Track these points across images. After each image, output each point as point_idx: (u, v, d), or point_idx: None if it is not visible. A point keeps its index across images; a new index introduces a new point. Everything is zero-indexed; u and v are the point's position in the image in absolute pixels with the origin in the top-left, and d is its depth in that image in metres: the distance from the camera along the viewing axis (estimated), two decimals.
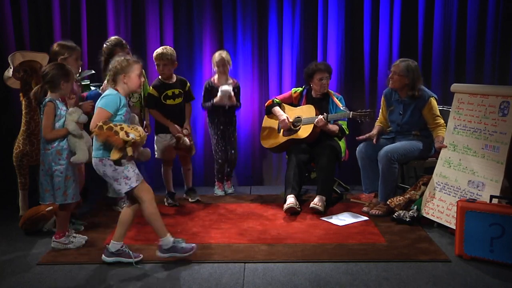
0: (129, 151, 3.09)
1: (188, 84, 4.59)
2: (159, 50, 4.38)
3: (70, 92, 3.64)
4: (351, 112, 4.31)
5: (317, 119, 4.35)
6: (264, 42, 5.20)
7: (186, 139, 4.37)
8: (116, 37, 4.35)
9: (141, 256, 3.31)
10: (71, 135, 3.39)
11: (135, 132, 3.11)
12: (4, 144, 4.68)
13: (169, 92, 4.42)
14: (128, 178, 3.17)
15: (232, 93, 4.63)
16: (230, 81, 4.76)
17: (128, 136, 3.07)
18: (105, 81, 3.81)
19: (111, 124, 3.08)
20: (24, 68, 3.89)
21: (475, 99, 3.88)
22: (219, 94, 4.61)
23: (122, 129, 3.08)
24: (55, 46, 3.90)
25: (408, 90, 4.23)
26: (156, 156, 4.53)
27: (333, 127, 4.50)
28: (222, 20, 5.14)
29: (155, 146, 4.49)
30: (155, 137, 4.51)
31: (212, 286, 3.00)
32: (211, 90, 4.70)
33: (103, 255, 3.29)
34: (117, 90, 3.22)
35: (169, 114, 4.44)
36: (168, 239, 3.27)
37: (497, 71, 5.00)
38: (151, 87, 4.46)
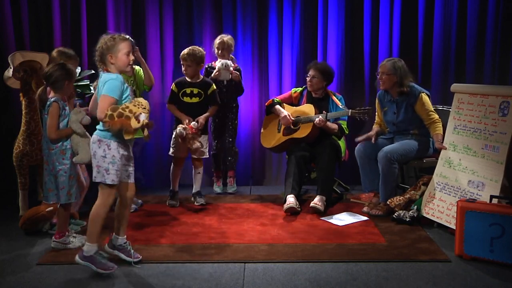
0: (145, 132, 3.09)
1: (213, 88, 4.49)
2: (185, 50, 4.39)
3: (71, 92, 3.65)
4: (350, 110, 4.32)
5: (316, 118, 4.36)
6: (264, 42, 5.20)
7: (182, 130, 4.25)
8: (127, 36, 4.33)
9: (140, 257, 3.30)
10: (75, 134, 3.39)
11: (143, 111, 3.04)
12: (4, 144, 4.69)
13: (188, 90, 4.44)
14: (108, 172, 3.10)
15: (231, 67, 4.63)
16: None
17: (139, 120, 3.00)
18: None
19: (119, 110, 3.00)
20: (24, 68, 3.89)
21: (475, 99, 3.88)
22: (216, 67, 4.60)
23: (131, 112, 3.00)
24: (54, 53, 3.91)
25: (397, 88, 4.24)
26: (169, 152, 4.50)
27: (333, 125, 4.50)
28: (222, 20, 5.14)
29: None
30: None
31: (212, 286, 3.00)
32: (211, 72, 4.69)
33: (106, 245, 3.31)
34: (108, 71, 3.11)
35: (183, 111, 4.42)
36: (92, 248, 3.12)
37: (497, 71, 4.99)
38: (173, 83, 4.50)
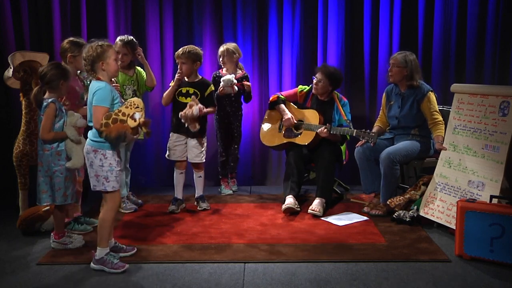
0: (144, 129, 3.09)
1: (211, 89, 4.36)
2: (180, 49, 4.27)
3: (72, 89, 3.63)
4: (355, 130, 4.21)
5: (319, 129, 4.33)
6: (264, 42, 5.20)
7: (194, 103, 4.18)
8: (131, 37, 4.33)
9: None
10: (69, 139, 3.39)
11: (136, 110, 3.06)
12: (4, 144, 4.69)
13: (183, 89, 4.32)
14: (108, 180, 3.14)
15: (235, 81, 4.64)
16: (239, 71, 4.80)
17: (135, 119, 3.04)
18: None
19: (113, 116, 3.04)
20: (24, 68, 3.89)
21: (475, 99, 3.88)
22: (221, 84, 4.64)
23: (124, 114, 3.04)
24: (65, 43, 3.83)
25: (407, 81, 4.24)
26: (166, 155, 4.44)
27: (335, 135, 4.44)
28: (222, 20, 5.14)
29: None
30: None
31: (212, 286, 3.00)
32: (218, 80, 4.70)
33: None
34: (100, 79, 3.15)
35: (178, 112, 4.28)
36: (103, 251, 3.18)
37: (497, 71, 5.00)
38: (172, 80, 4.40)
